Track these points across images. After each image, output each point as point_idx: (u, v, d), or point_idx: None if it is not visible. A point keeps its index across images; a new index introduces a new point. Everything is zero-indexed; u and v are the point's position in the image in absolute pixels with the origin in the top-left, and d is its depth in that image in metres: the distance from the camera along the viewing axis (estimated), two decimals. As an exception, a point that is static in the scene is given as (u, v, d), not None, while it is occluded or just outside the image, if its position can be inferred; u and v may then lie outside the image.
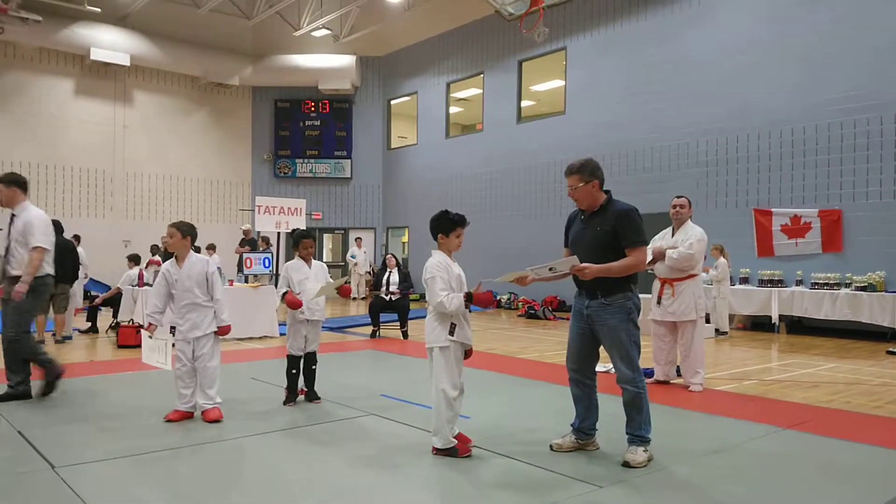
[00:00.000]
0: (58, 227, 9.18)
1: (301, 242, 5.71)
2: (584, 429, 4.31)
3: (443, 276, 4.18)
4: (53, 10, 16.57)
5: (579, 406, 4.34)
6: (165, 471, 3.88)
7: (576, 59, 15.52)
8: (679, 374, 6.65)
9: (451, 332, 4.13)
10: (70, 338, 9.73)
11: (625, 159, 14.42)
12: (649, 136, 13.96)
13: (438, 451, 4.14)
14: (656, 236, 6.74)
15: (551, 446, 4.29)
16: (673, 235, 6.55)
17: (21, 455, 4.10)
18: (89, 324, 10.60)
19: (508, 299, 16.19)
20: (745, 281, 12.12)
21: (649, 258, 6.51)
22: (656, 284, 6.60)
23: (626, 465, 3.94)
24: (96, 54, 17.59)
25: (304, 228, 9.35)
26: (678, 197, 6.65)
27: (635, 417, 4.06)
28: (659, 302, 6.52)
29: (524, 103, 17.29)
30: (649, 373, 6.85)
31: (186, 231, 5.03)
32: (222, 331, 5.06)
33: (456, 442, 4.14)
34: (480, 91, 18.10)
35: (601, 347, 4.28)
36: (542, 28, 13.69)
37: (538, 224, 15.98)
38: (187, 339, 4.97)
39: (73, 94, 18.37)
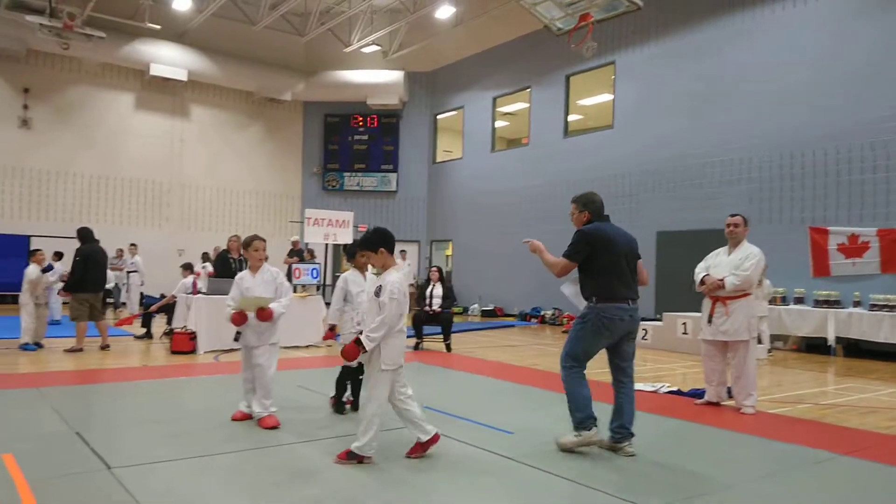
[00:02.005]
0: (88, 235, 9.55)
1: (358, 253, 5.77)
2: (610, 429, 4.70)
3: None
4: (116, 27, 17.31)
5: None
6: (216, 474, 3.96)
7: (625, 74, 15.39)
8: (730, 396, 6.46)
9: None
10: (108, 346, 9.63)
11: (674, 174, 14.18)
12: (700, 151, 13.70)
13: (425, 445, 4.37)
14: (710, 255, 6.58)
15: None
16: (729, 255, 6.38)
17: (78, 456, 4.25)
18: (144, 329, 10.93)
19: (553, 315, 16.02)
20: (799, 301, 11.72)
21: (698, 284, 6.39)
22: (707, 302, 6.43)
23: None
24: (156, 70, 18.28)
25: (358, 240, 9.45)
26: (732, 216, 6.46)
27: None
28: (710, 321, 6.36)
29: (571, 117, 17.21)
30: (700, 393, 6.69)
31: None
32: (264, 314, 5.06)
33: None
34: (527, 105, 18.10)
35: (621, 353, 4.87)
36: (591, 43, 13.61)
37: (584, 239, 15.82)
38: (248, 346, 5.14)
39: (134, 108, 19.11)
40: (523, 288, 16.65)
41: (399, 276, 4.34)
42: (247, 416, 5.22)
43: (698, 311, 6.82)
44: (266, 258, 5.42)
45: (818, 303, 11.37)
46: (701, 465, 4.49)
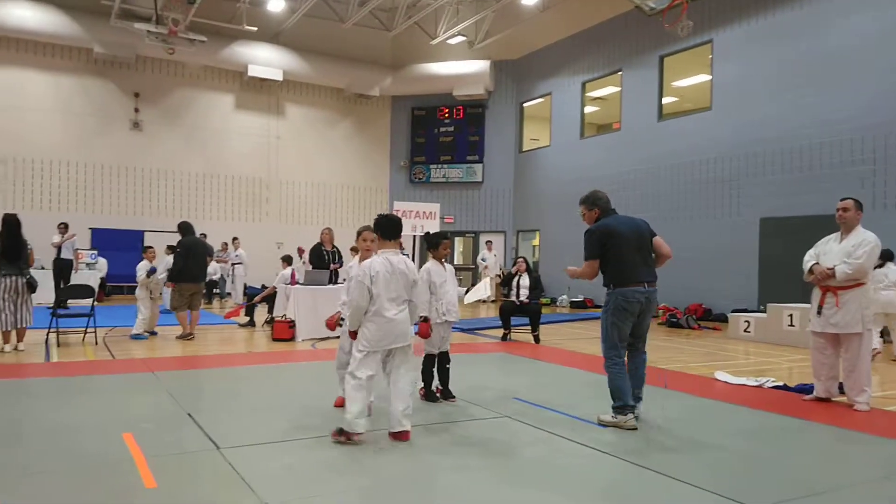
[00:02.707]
0: (188, 228, 10.07)
1: (441, 244, 5.83)
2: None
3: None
4: (216, 31, 18.21)
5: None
6: (314, 455, 4.12)
7: (723, 52, 14.65)
8: (842, 392, 6.06)
9: None
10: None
11: (777, 157, 13.39)
12: (805, 132, 12.86)
13: (402, 435, 4.39)
14: (820, 242, 6.17)
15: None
16: (840, 242, 5.95)
17: (190, 435, 4.53)
18: (247, 318, 11.51)
19: (647, 305, 15.55)
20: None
21: (807, 273, 6.02)
22: (816, 293, 6.04)
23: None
24: (253, 70, 19.12)
25: (440, 231, 9.53)
26: (843, 199, 6.01)
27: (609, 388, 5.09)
28: (819, 312, 5.98)
29: (666, 100, 16.57)
30: (808, 389, 6.32)
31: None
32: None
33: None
34: (618, 89, 17.60)
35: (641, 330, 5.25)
36: (686, 21, 13.02)
37: (681, 226, 15.24)
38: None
39: (234, 109, 20.07)
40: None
41: (375, 260, 4.48)
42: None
43: (806, 301, 6.43)
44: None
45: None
46: (810, 464, 4.26)
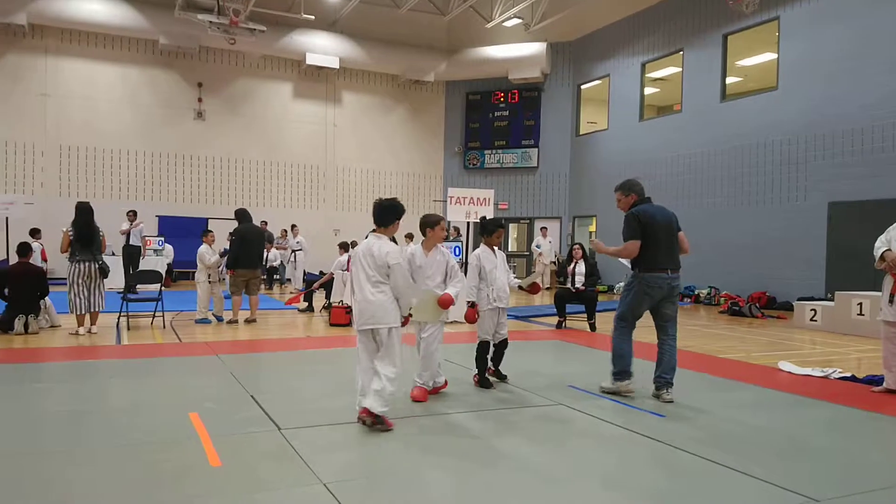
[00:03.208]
0: (244, 215, 10.28)
1: (495, 232, 5.83)
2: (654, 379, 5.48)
3: (404, 261, 4.60)
4: (275, 20, 18.54)
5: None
6: (370, 438, 4.21)
7: (791, 30, 14.01)
8: (916, 384, 5.78)
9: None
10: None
11: (848, 139, 12.76)
12: (880, 112, 12.19)
13: (370, 415, 4.33)
14: (891, 227, 5.86)
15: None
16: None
17: (253, 416, 4.70)
18: (306, 304, 11.80)
19: (709, 294, 15.13)
20: None
21: (878, 260, 5.74)
22: (888, 280, 5.77)
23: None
24: (311, 59, 19.41)
25: (495, 218, 9.49)
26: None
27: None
28: (892, 301, 5.71)
29: (729, 80, 15.98)
30: (878, 380, 6.06)
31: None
32: (445, 300, 5.09)
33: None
34: (679, 69, 17.08)
35: (667, 317, 5.57)
36: (752, -2, 12.52)
37: (745, 211, 14.75)
38: (418, 322, 5.26)
39: (292, 97, 20.45)
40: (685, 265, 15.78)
41: (361, 243, 4.65)
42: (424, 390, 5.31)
43: (877, 289, 6.14)
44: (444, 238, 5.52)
45: None
46: (878, 457, 4.10)
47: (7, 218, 14.28)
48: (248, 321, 9.96)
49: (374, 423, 4.36)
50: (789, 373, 6.78)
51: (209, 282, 10.18)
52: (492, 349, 5.90)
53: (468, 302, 5.67)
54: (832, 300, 10.84)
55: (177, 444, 4.05)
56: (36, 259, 14.11)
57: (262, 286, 15.83)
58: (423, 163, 22.23)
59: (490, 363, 5.95)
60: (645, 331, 6.25)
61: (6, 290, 8.49)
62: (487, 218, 6.04)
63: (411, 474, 3.65)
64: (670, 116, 17.61)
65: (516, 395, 5.59)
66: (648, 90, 18.76)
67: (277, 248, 17.66)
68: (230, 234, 10.11)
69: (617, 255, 5.65)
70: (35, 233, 14.81)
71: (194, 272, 10.65)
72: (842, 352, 8.47)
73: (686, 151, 16.40)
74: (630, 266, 5.52)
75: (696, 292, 15.51)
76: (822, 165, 13.26)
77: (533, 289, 5.99)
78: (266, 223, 17.45)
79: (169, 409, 4.85)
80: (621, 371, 5.46)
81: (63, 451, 3.91)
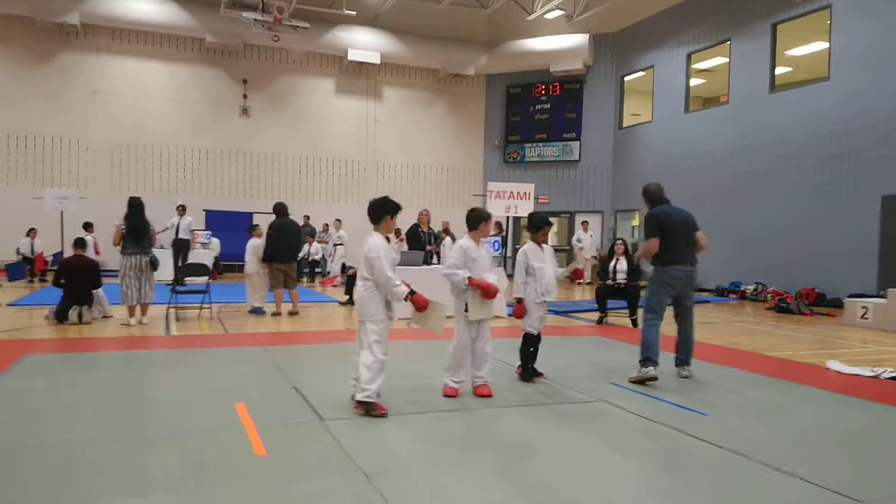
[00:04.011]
0: (282, 209, 10.43)
1: (543, 229, 5.83)
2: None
3: (387, 255, 4.63)
4: (318, 17, 18.77)
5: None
6: (411, 429, 4.27)
7: (843, 17, 13.53)
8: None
9: (388, 308, 4.68)
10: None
11: (906, 129, 12.28)
12: (941, 100, 11.71)
13: (360, 405, 4.57)
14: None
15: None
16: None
17: (296, 407, 4.81)
18: (347, 297, 11.95)
19: (755, 290, 14.76)
20: None
21: None
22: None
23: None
24: (353, 55, 19.60)
25: (541, 213, 9.42)
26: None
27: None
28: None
29: (778, 70, 15.53)
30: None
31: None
32: (491, 292, 5.14)
33: (377, 399, 4.57)
34: (726, 60, 16.67)
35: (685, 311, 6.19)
36: (802, -15, 12.14)
37: (793, 205, 14.34)
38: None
39: (334, 93, 20.69)
40: (721, 260, 15.30)
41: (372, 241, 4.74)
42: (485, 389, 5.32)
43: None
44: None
45: None
46: (933, 464, 3.96)
47: (62, 212, 14.83)
48: (290, 314, 10.14)
49: (366, 411, 4.57)
50: (838, 372, 6.59)
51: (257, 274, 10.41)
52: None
53: (515, 298, 5.69)
54: (885, 297, 10.47)
55: (223, 433, 4.17)
56: (89, 252, 14.65)
57: (304, 279, 16.13)
58: (462, 157, 22.23)
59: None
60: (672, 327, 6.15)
61: (62, 282, 8.83)
62: (535, 214, 6.01)
63: (451, 466, 3.69)
64: (717, 108, 17.22)
65: (557, 390, 5.58)
66: (694, 81, 18.37)
67: (319, 242, 17.92)
68: (268, 228, 10.30)
69: (646, 254, 6.11)
70: (88, 226, 15.36)
71: (241, 265, 10.89)
72: (894, 351, 8.18)
73: (733, 144, 16.02)
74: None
75: (742, 288, 15.16)
76: (874, 157, 12.80)
77: (576, 275, 6.13)
78: (308, 217, 17.72)
79: (216, 399, 4.99)
80: (646, 358, 5.78)
81: (113, 438, 4.07)
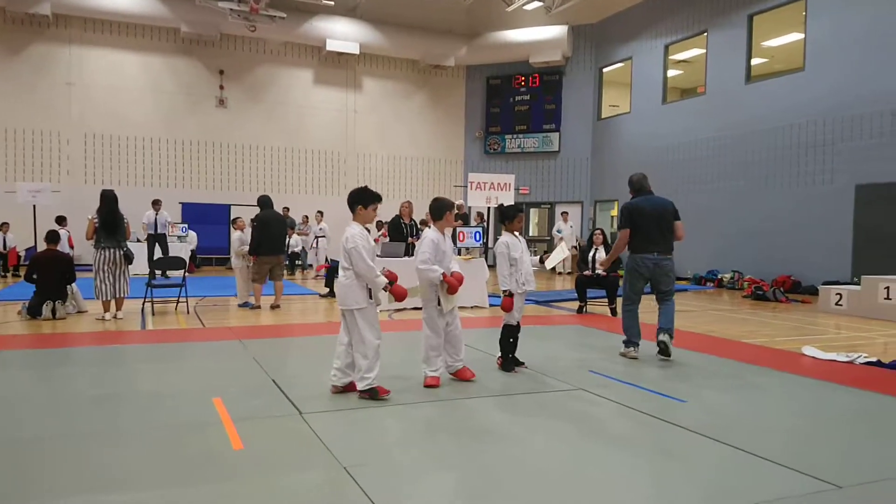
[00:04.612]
0: (265, 202, 10.35)
1: (516, 217, 5.85)
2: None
3: (365, 245, 4.68)
4: (295, 7, 18.56)
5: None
6: (390, 423, 4.25)
7: (819, 8, 13.67)
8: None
9: (370, 297, 4.72)
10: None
11: (876, 119, 12.46)
12: (913, 90, 11.89)
13: (362, 394, 4.70)
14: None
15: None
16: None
17: (275, 401, 4.76)
18: (327, 289, 11.89)
19: (732, 278, 14.94)
20: None
21: None
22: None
23: None
24: (332, 45, 19.42)
25: (514, 203, 9.44)
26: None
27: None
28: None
29: (754, 61, 15.67)
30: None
31: None
32: (458, 277, 5.26)
33: (377, 383, 4.70)
34: (703, 51, 16.78)
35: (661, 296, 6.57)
36: (778, -24, 12.23)
37: (770, 194, 14.51)
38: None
39: (313, 84, 20.49)
40: (698, 249, 15.52)
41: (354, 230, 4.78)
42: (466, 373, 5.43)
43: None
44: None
45: None
46: (906, 447, 4.03)
47: (35, 206, 14.57)
48: (272, 307, 10.06)
49: (370, 397, 4.70)
50: (813, 358, 6.69)
51: (248, 266, 10.31)
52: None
53: (504, 291, 5.71)
54: (858, 284, 10.66)
55: (200, 428, 4.12)
56: (63, 246, 14.39)
57: (285, 272, 16.02)
58: (443, 148, 22.18)
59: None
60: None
61: (34, 277, 8.67)
62: (505, 205, 6.05)
63: (432, 458, 3.68)
64: (694, 99, 17.35)
65: (537, 379, 5.59)
66: (672, 72, 18.48)
67: (299, 234, 17.79)
68: (252, 220, 10.20)
69: (618, 247, 6.65)
70: (61, 220, 15.10)
71: (218, 258, 10.79)
72: (868, 336, 8.33)
73: (710, 134, 16.15)
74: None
75: (719, 276, 15.34)
76: (849, 147, 12.98)
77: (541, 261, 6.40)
78: (288, 209, 17.58)
79: (193, 394, 4.93)
80: (627, 341, 6.49)
81: (88, 435, 4.00)
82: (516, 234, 5.83)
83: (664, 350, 6.29)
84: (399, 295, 4.81)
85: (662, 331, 6.35)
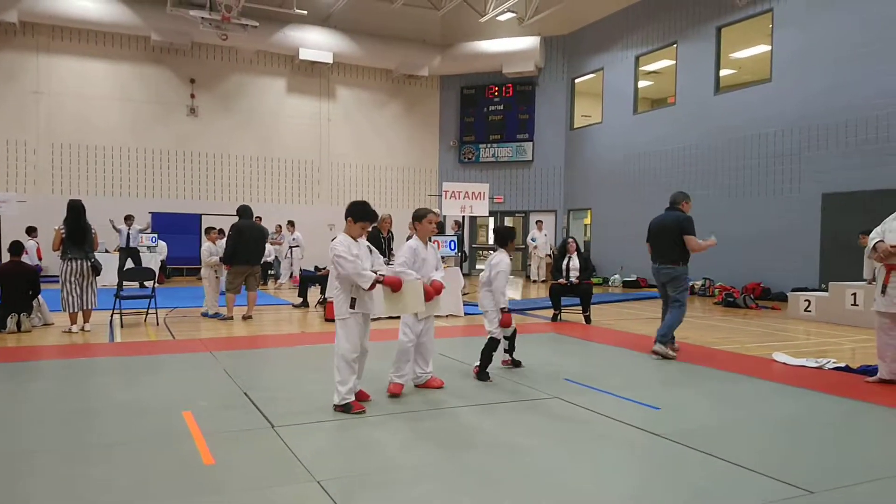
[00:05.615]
0: (244, 211, 10.25)
1: (514, 239, 6.27)
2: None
3: (349, 250, 4.67)
4: (268, 16, 18.45)
5: None
6: (364, 436, 4.20)
7: (784, 21, 14.00)
8: (909, 375, 5.81)
9: (352, 306, 4.71)
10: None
11: (842, 130, 12.77)
12: (875, 102, 12.20)
13: (337, 408, 4.67)
14: (888, 218, 5.88)
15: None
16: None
17: (246, 414, 4.68)
18: (301, 299, 11.77)
19: (703, 286, 15.15)
20: None
21: (870, 251, 5.79)
22: (882, 271, 5.79)
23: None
24: (304, 54, 19.32)
25: (505, 226, 9.48)
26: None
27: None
28: (884, 291, 5.72)
29: (723, 72, 15.98)
30: (872, 370, 6.08)
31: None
32: (438, 285, 5.29)
33: (351, 398, 4.68)
34: (673, 62, 17.06)
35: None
36: (745, -10, 12.50)
37: (739, 203, 14.76)
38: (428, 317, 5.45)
39: (286, 93, 20.36)
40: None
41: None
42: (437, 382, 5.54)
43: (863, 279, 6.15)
44: (438, 232, 5.73)
45: None
46: (872, 449, 4.11)
47: (0, 216, 14.21)
48: (244, 317, 9.92)
49: (343, 410, 4.67)
50: (783, 363, 6.79)
51: (217, 277, 10.21)
52: (504, 342, 6.16)
53: (502, 308, 5.86)
54: (826, 291, 10.87)
55: (170, 442, 4.03)
56: (32, 257, 14.07)
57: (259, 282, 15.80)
58: (418, 157, 22.19)
59: (508, 355, 6.33)
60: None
61: (-1, 289, 8.45)
62: (501, 229, 6.35)
63: (406, 470, 3.64)
64: (664, 109, 17.61)
65: (512, 387, 5.59)
66: (642, 83, 18.76)
67: (272, 244, 17.59)
68: (230, 229, 10.08)
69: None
70: (31, 231, 14.77)
71: (189, 268, 10.65)
72: (836, 342, 8.49)
73: (680, 144, 16.40)
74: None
75: (690, 283, 15.50)
76: (815, 157, 13.27)
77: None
78: (260, 218, 17.35)
79: (162, 408, 4.83)
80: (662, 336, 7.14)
81: (55, 451, 3.89)
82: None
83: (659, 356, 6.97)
84: (395, 284, 4.81)
85: (657, 341, 7.05)
